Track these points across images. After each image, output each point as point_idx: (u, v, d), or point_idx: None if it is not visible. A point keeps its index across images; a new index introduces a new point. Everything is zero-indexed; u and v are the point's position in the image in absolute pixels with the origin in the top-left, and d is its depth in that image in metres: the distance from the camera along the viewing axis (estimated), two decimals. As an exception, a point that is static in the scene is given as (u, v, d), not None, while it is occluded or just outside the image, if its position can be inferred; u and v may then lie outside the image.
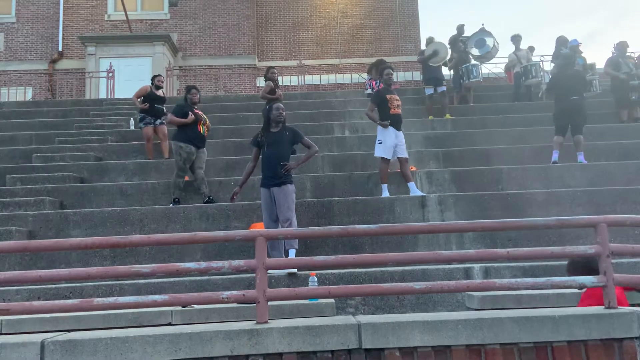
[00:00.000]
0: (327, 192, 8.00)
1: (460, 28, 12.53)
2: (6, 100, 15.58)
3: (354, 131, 10.83)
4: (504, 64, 14.16)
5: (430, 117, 11.29)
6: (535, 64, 12.01)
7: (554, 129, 8.81)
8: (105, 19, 19.11)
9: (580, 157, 8.48)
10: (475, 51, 12.35)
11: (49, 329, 4.35)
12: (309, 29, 20.00)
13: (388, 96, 7.70)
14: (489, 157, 8.98)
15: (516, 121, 10.75)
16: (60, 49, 18.66)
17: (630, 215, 5.63)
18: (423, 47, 12.36)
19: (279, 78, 10.44)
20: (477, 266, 5.89)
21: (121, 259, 6.67)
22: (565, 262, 5.81)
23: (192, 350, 2.99)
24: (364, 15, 20.12)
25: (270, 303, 3.35)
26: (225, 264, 3.34)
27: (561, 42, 11.55)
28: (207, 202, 7.74)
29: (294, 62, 18.65)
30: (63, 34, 18.77)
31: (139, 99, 9.64)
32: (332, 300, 5.04)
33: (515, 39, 12.66)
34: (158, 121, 9.56)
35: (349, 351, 3.06)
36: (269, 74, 9.75)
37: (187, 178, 8.06)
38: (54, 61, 18.52)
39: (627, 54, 11.47)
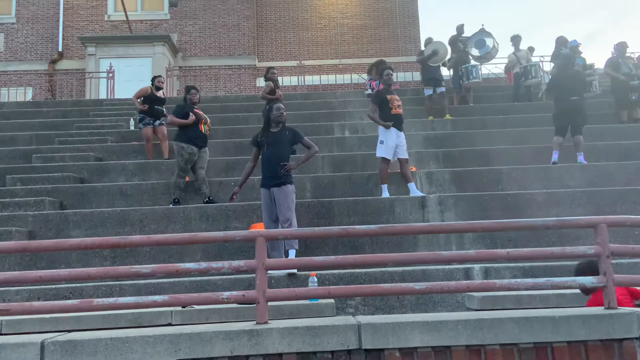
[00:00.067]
0: (327, 193, 8.00)
1: (460, 28, 12.53)
2: (6, 100, 15.57)
3: (354, 131, 10.83)
4: (504, 65, 14.16)
5: (430, 118, 11.29)
6: (535, 65, 12.01)
7: (553, 130, 8.81)
8: (105, 19, 19.11)
9: (580, 158, 8.48)
10: (475, 52, 12.35)
11: (49, 330, 4.35)
12: (309, 29, 20.01)
13: (388, 96, 7.71)
14: (488, 158, 8.98)
15: (516, 122, 10.75)
16: (60, 50, 18.66)
17: (630, 215, 5.64)
18: (423, 47, 12.36)
19: (279, 78, 10.44)
20: (477, 266, 5.89)
21: (121, 260, 6.67)
22: (566, 263, 5.83)
23: (192, 350, 2.99)
24: (364, 16, 20.12)
25: (270, 303, 3.35)
26: (225, 264, 3.34)
27: (561, 42, 11.56)
28: (207, 202, 7.74)
29: (294, 63, 18.66)
30: (63, 35, 18.77)
31: (138, 100, 9.63)
32: (332, 300, 5.04)
33: (515, 40, 12.66)
34: (157, 122, 9.56)
35: (349, 352, 3.06)
36: (269, 74, 9.75)
37: (187, 178, 8.06)
38: (54, 61, 18.52)
39: (627, 54, 11.47)
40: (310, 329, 3.05)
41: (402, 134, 7.76)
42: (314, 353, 3.05)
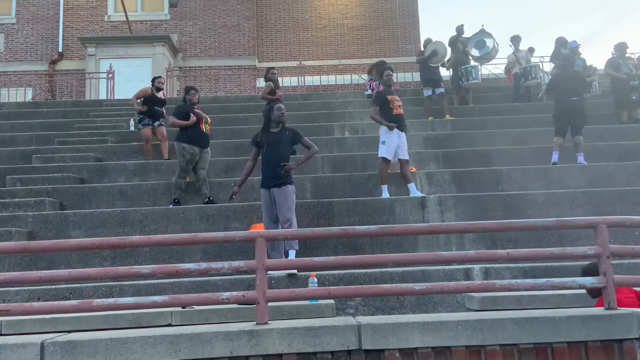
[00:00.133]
0: (327, 193, 8.00)
1: (460, 29, 12.53)
2: (6, 101, 15.58)
3: (354, 132, 10.84)
4: (504, 65, 14.17)
5: (430, 118, 11.29)
6: (535, 66, 12.02)
7: (553, 130, 8.82)
8: (105, 19, 19.12)
9: (580, 158, 8.48)
10: (475, 52, 12.35)
11: (48, 330, 4.35)
12: (309, 30, 20.01)
13: (389, 97, 7.72)
14: (488, 158, 8.98)
15: (516, 122, 10.75)
16: (60, 50, 18.66)
17: (630, 216, 5.65)
18: (422, 48, 12.36)
19: (279, 79, 10.44)
20: (477, 267, 5.89)
21: (121, 260, 6.67)
22: (566, 264, 5.83)
23: (192, 351, 2.99)
24: (364, 16, 20.13)
25: (270, 304, 3.35)
26: (225, 264, 3.34)
27: (560, 42, 11.57)
28: (207, 202, 7.74)
29: (294, 63, 18.66)
30: (63, 35, 18.77)
31: (138, 100, 9.63)
32: (332, 301, 5.04)
33: (515, 40, 12.67)
34: (157, 123, 9.56)
35: (349, 352, 3.06)
36: (269, 75, 9.76)
37: (187, 179, 8.05)
38: (54, 62, 18.52)
39: (627, 55, 11.48)
40: (310, 330, 3.05)
41: (403, 135, 7.76)
42: (314, 353, 3.05)
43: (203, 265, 3.34)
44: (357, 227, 3.63)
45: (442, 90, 11.58)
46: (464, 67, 11.89)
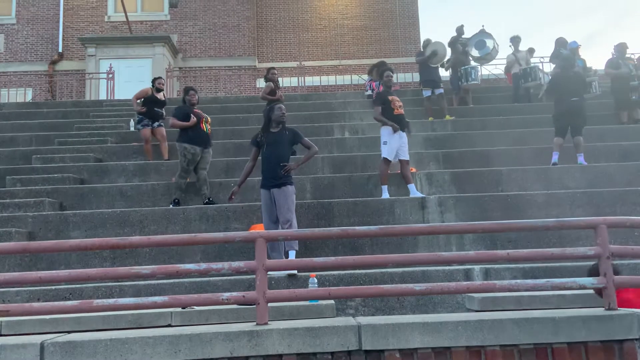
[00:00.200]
0: (327, 194, 8.00)
1: (460, 29, 12.54)
2: (6, 101, 15.58)
3: (354, 132, 10.84)
4: (504, 65, 14.17)
5: (430, 119, 11.30)
6: (534, 67, 12.02)
7: (553, 131, 8.82)
8: (106, 20, 19.12)
9: (580, 159, 8.48)
10: (475, 53, 12.35)
11: (48, 331, 4.35)
12: (309, 30, 20.02)
13: (389, 97, 7.74)
14: (488, 159, 8.98)
15: (516, 123, 10.75)
16: (60, 50, 18.66)
17: (630, 216, 5.64)
18: (422, 49, 12.36)
19: (279, 79, 10.45)
20: (477, 267, 5.89)
21: (121, 260, 6.67)
22: (566, 264, 5.83)
23: (192, 351, 2.99)
24: (364, 17, 20.13)
25: (270, 304, 3.35)
26: (225, 265, 3.34)
27: (560, 43, 11.57)
28: (207, 203, 7.74)
29: (294, 64, 18.66)
30: (63, 35, 18.77)
31: (138, 101, 9.63)
32: (332, 301, 5.03)
33: (515, 40, 12.67)
34: (156, 123, 9.56)
35: (349, 352, 3.06)
36: (270, 75, 9.77)
37: (188, 179, 8.05)
38: (54, 62, 18.52)
39: (627, 55, 11.49)
40: (311, 330, 3.05)
41: (404, 135, 7.77)
42: (314, 354, 3.05)
43: (203, 265, 3.34)
44: (357, 227, 3.62)
45: (442, 91, 11.59)
46: (463, 67, 11.89)
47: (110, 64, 16.30)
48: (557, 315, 3.16)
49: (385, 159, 7.65)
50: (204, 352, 3.00)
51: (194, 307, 4.69)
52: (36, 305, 3.28)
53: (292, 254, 6.09)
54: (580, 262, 5.82)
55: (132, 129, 11.01)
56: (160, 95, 9.71)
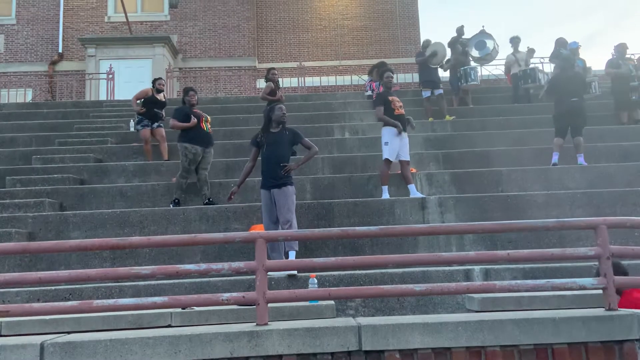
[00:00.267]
0: (327, 194, 8.00)
1: (460, 30, 12.54)
2: (6, 101, 15.58)
3: (354, 133, 10.84)
4: (504, 66, 14.16)
5: (430, 119, 11.30)
6: (533, 69, 12.02)
7: (553, 131, 8.82)
8: (106, 20, 19.12)
9: (580, 159, 8.48)
10: (475, 53, 12.36)
11: (48, 331, 4.34)
12: (309, 30, 20.02)
13: (390, 98, 7.74)
14: (488, 159, 8.98)
15: (516, 123, 10.75)
16: (60, 51, 18.66)
17: (631, 217, 5.64)
18: (421, 49, 12.36)
19: (279, 80, 10.45)
20: (477, 268, 5.89)
21: (121, 261, 6.66)
22: (566, 264, 5.82)
23: (192, 352, 2.99)
24: (364, 17, 20.13)
25: (270, 305, 3.35)
26: (225, 265, 3.34)
27: (560, 43, 11.57)
28: (207, 203, 7.74)
29: (294, 64, 18.66)
30: (63, 36, 18.77)
31: (137, 101, 9.63)
32: (332, 302, 5.03)
33: (514, 41, 12.68)
34: (155, 124, 9.56)
35: (349, 353, 3.06)
36: (270, 75, 9.78)
37: (188, 180, 8.04)
38: (54, 63, 18.53)
39: (627, 55, 11.49)
40: (310, 331, 3.05)
41: (405, 135, 7.77)
42: (314, 354, 3.04)
43: (203, 266, 3.34)
44: (357, 228, 3.62)
45: (441, 91, 11.59)
46: (462, 68, 11.89)
47: (110, 65, 16.30)
48: (557, 316, 3.16)
49: (387, 160, 7.65)
50: (204, 353, 2.99)
51: (194, 307, 4.69)
52: (36, 305, 3.27)
53: (292, 255, 6.09)
54: (580, 262, 5.83)
55: (132, 129, 11.01)
56: (160, 96, 9.71)
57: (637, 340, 3.11)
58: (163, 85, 9.86)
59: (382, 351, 3.06)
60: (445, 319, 3.15)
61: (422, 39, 13.96)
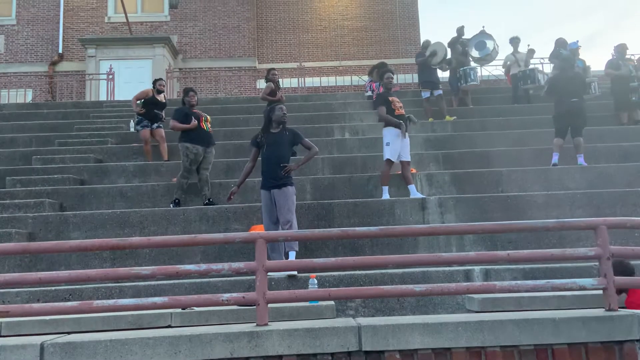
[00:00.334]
0: (327, 194, 8.00)
1: (460, 30, 12.54)
2: (6, 102, 15.58)
3: (354, 133, 10.84)
4: (503, 66, 14.16)
5: (430, 120, 11.30)
6: (533, 70, 12.03)
7: (553, 132, 8.82)
8: (106, 21, 19.12)
9: (580, 160, 8.48)
10: (475, 53, 12.36)
11: (48, 331, 4.35)
12: (309, 31, 20.02)
13: (390, 98, 7.75)
14: (488, 160, 8.98)
15: (516, 123, 10.75)
16: (60, 51, 18.66)
17: (631, 217, 5.64)
18: (421, 50, 12.36)
19: (279, 80, 10.46)
20: (477, 268, 5.89)
21: (121, 261, 6.66)
22: (566, 265, 5.82)
23: (192, 352, 2.99)
24: (364, 18, 20.14)
25: (270, 305, 3.35)
26: (225, 266, 3.34)
27: (560, 43, 11.57)
28: (207, 204, 7.74)
29: (294, 65, 18.67)
30: (63, 36, 18.77)
31: (138, 102, 9.63)
32: (332, 302, 5.03)
33: (514, 41, 12.68)
34: (155, 124, 9.56)
35: (349, 353, 3.06)
36: (270, 75, 9.79)
37: (189, 180, 8.04)
38: (54, 63, 18.53)
39: (627, 56, 11.49)
40: (310, 331, 3.05)
41: (406, 136, 7.77)
42: (314, 355, 3.05)
43: (203, 266, 3.34)
44: (357, 228, 3.62)
45: (440, 92, 11.59)
46: (462, 69, 11.90)
47: (110, 65, 16.30)
48: (557, 316, 3.16)
49: (388, 160, 7.65)
50: (204, 353, 2.99)
51: (194, 308, 4.69)
52: (36, 306, 3.28)
53: (292, 255, 6.09)
54: (580, 263, 5.83)
55: (132, 129, 11.01)
56: (160, 97, 9.71)
57: (637, 340, 3.11)
58: (163, 86, 9.86)
59: (382, 351, 3.06)
60: (445, 320, 3.15)
61: (422, 39, 13.96)
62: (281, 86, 10.64)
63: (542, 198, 7.30)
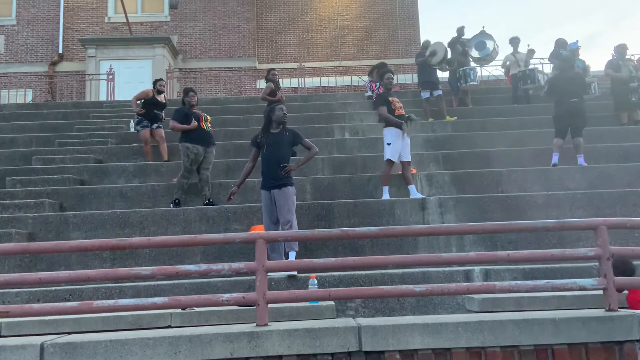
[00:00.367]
0: (327, 195, 8.00)
1: (461, 30, 12.54)
2: (6, 102, 15.58)
3: (354, 133, 10.84)
4: (504, 66, 14.15)
5: (431, 120, 11.30)
6: (533, 70, 12.03)
7: (553, 132, 8.82)
8: (106, 21, 19.13)
9: (580, 160, 8.48)
10: (475, 54, 12.36)
11: (48, 332, 4.35)
12: (309, 31, 20.03)
13: (390, 98, 7.76)
14: (488, 160, 8.98)
15: (516, 124, 10.75)
16: (60, 51, 18.66)
17: (631, 217, 5.64)
18: (421, 50, 12.37)
19: (279, 80, 10.46)
20: (477, 269, 5.89)
21: (121, 261, 6.66)
22: (566, 265, 5.82)
23: (192, 352, 2.99)
24: (364, 18, 20.14)
25: (270, 305, 3.35)
26: (225, 266, 3.34)
27: (560, 44, 11.57)
28: (207, 204, 7.74)
29: (294, 65, 18.67)
30: (63, 36, 18.77)
31: (138, 102, 9.64)
32: (332, 302, 5.03)
33: (514, 42, 12.68)
34: (155, 125, 9.56)
35: (349, 354, 3.06)
36: (270, 76, 9.79)
37: (190, 180, 8.04)
38: (54, 63, 18.53)
39: (627, 56, 11.49)
40: (310, 331, 3.05)
41: (407, 136, 7.77)
42: (314, 355, 3.05)
43: (203, 266, 3.34)
44: (357, 228, 3.62)
45: (440, 92, 11.59)
46: (462, 69, 11.90)
47: (111, 65, 16.30)
48: (557, 316, 3.16)
49: (389, 160, 7.65)
50: (204, 353, 2.99)
51: (194, 308, 4.69)
52: (36, 306, 3.28)
53: (292, 255, 6.09)
54: (580, 263, 5.83)
55: (132, 130, 11.02)
56: (161, 98, 9.71)
57: (637, 340, 3.11)
58: (164, 86, 9.86)
59: (382, 352, 3.06)
60: (445, 320, 3.15)
61: (422, 39, 13.97)
62: (281, 86, 10.65)
63: (542, 198, 7.30)
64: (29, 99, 17.53)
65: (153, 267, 3.38)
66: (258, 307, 3.22)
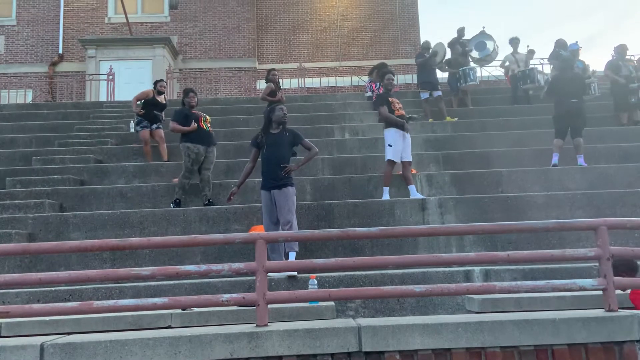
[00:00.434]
0: (327, 195, 8.00)
1: (461, 31, 12.55)
2: (6, 102, 15.58)
3: (354, 134, 10.84)
4: (504, 66, 14.16)
5: (431, 120, 11.31)
6: (532, 70, 12.03)
7: (553, 132, 8.82)
8: (106, 21, 19.13)
9: (580, 160, 8.48)
10: (475, 54, 12.37)
11: (48, 332, 4.34)
12: (309, 31, 20.03)
13: (390, 99, 7.76)
14: (489, 160, 8.98)
15: (516, 124, 10.76)
16: (60, 52, 18.66)
17: (630, 218, 5.64)
18: (421, 51, 12.38)
19: (279, 80, 10.46)
20: (477, 269, 5.89)
21: (121, 262, 6.66)
22: (566, 265, 5.82)
23: (192, 353, 2.99)
24: (364, 18, 20.14)
25: (270, 306, 3.35)
26: (225, 266, 3.34)
27: (560, 44, 11.58)
28: (207, 204, 7.74)
29: (294, 65, 18.67)
30: (63, 37, 18.77)
31: (138, 102, 9.64)
32: (332, 303, 5.03)
33: (513, 42, 12.69)
34: (154, 125, 9.56)
35: (349, 354, 3.06)
36: (270, 76, 9.79)
37: (191, 180, 8.04)
38: (54, 64, 18.53)
39: (627, 57, 11.50)
40: (310, 332, 3.05)
41: (408, 136, 7.78)
42: (314, 356, 3.05)
43: (203, 267, 3.34)
44: (357, 229, 3.63)
45: (440, 93, 11.60)
46: (461, 69, 11.90)
47: (111, 66, 16.30)
48: (557, 317, 3.16)
49: (390, 161, 7.65)
50: (204, 354, 3.00)
51: (194, 308, 4.69)
52: (36, 306, 3.28)
53: (292, 256, 6.09)
54: (580, 263, 5.83)
55: (132, 130, 11.02)
56: (161, 98, 9.72)
57: (637, 341, 3.11)
58: (164, 87, 9.86)
59: (382, 352, 3.06)
60: (445, 320, 3.16)
61: (422, 40, 13.98)
62: (281, 87, 10.65)
63: (542, 199, 7.30)
64: (29, 99, 17.53)
65: (153, 268, 3.38)
66: (258, 308, 3.22)
